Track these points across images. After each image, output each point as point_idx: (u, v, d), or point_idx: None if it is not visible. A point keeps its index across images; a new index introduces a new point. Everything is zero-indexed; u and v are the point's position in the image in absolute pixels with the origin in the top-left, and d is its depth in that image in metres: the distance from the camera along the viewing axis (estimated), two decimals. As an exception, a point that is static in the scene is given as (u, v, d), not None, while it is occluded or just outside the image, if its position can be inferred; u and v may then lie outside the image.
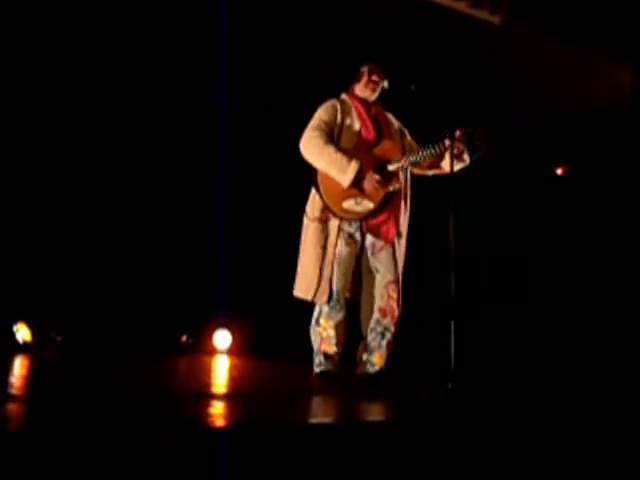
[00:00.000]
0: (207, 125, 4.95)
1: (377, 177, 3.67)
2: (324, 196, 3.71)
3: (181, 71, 5.11)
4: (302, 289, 3.74)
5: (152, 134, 5.16)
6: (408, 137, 3.96)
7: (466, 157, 3.74)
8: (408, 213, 3.84)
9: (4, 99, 4.78)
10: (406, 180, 3.83)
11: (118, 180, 5.12)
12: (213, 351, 5.28)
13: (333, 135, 3.75)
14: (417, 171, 3.91)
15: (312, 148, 3.70)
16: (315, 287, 3.68)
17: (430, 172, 3.93)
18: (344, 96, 3.90)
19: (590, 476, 2.75)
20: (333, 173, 3.66)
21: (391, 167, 3.73)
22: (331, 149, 3.67)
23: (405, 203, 3.81)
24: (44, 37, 4.82)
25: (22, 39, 4.79)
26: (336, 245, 3.68)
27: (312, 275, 3.69)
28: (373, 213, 3.71)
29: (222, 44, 4.66)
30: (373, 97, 3.87)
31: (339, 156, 3.65)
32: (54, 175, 4.97)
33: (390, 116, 3.96)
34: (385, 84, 3.75)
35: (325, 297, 3.66)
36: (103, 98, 5.04)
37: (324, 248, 3.69)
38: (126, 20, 4.93)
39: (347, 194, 3.67)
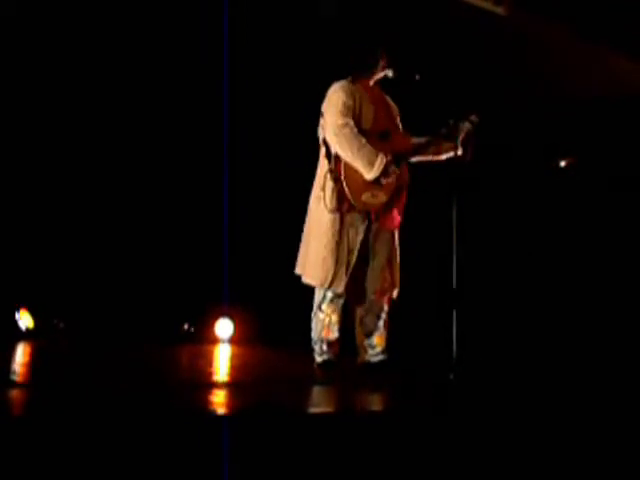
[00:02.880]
0: (210, 114, 4.94)
1: (397, 171, 3.68)
2: (346, 188, 3.68)
3: (184, 62, 5.09)
4: (317, 276, 3.70)
5: (155, 122, 5.15)
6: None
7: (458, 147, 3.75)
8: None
9: (23, 96, 4.82)
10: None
11: (121, 167, 5.12)
12: (215, 340, 5.28)
13: (354, 119, 3.71)
14: (416, 159, 3.90)
15: (343, 137, 3.62)
16: (333, 275, 3.67)
17: (427, 158, 3.92)
18: (350, 81, 3.84)
19: (592, 467, 2.76)
20: (358, 165, 3.63)
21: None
22: (361, 141, 3.62)
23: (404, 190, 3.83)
24: (51, 38, 4.82)
25: (29, 40, 4.80)
26: (357, 234, 3.69)
27: (330, 263, 3.66)
28: (385, 206, 3.72)
29: (224, 40, 4.64)
30: (373, 81, 3.84)
31: (367, 149, 3.61)
32: (57, 162, 4.96)
33: (388, 99, 3.95)
34: (390, 73, 3.73)
35: (342, 284, 3.67)
36: (116, 93, 5.05)
37: (341, 237, 3.68)
38: (126, 17, 4.91)
39: (367, 187, 3.66)
